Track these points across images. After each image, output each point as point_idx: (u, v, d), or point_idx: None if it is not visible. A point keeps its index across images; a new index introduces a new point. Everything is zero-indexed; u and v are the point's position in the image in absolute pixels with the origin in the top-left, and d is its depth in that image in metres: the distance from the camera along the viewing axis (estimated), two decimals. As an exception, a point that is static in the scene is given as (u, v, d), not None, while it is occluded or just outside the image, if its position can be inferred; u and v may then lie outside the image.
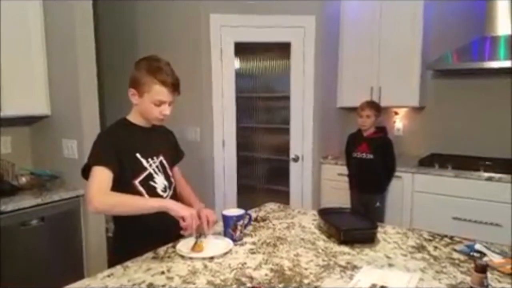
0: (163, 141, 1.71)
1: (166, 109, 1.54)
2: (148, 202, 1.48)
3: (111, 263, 1.43)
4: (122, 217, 1.56)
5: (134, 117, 1.60)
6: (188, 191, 1.82)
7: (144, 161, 1.57)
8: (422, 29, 3.21)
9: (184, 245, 1.50)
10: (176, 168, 1.80)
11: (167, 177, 1.65)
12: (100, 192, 1.42)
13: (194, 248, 1.47)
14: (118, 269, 1.36)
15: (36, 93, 2.62)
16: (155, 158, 1.61)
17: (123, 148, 1.53)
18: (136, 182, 1.55)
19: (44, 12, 2.60)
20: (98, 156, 1.50)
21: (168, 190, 1.65)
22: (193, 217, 1.42)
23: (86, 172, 1.49)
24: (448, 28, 3.32)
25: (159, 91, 1.49)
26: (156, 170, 1.61)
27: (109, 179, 1.46)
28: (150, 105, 1.52)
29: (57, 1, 2.56)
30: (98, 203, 1.41)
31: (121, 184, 1.50)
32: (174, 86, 1.51)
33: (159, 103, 1.51)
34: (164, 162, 1.65)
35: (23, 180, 2.53)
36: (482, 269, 1.09)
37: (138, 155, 1.56)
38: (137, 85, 1.51)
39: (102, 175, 1.45)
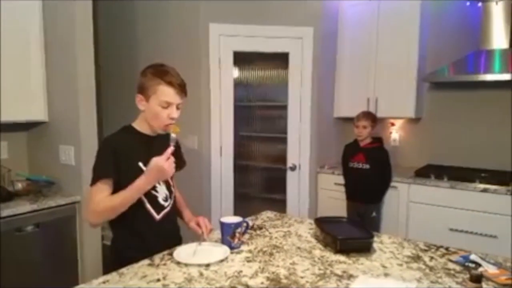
0: (165, 150, 1.70)
1: (174, 112, 1.52)
2: (133, 193, 1.46)
3: (108, 271, 1.42)
4: (120, 228, 1.56)
5: (139, 125, 1.60)
6: (181, 203, 1.82)
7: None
8: (418, 42, 3.25)
9: (181, 252, 1.50)
10: None
11: (168, 187, 1.65)
12: (96, 213, 1.46)
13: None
14: (114, 276, 1.35)
15: (34, 99, 2.63)
16: None
17: (125, 157, 1.52)
18: None
19: (44, 16, 2.62)
20: (99, 170, 1.50)
21: (169, 199, 1.64)
22: (169, 163, 1.44)
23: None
24: (445, 42, 3.37)
25: (166, 92, 1.48)
26: None
27: (108, 196, 1.48)
28: (158, 108, 1.50)
29: (56, 7, 2.58)
30: (95, 222, 1.49)
31: None
32: (181, 87, 1.51)
33: (167, 105, 1.50)
34: None
35: (19, 185, 2.53)
36: (477, 279, 1.10)
37: (140, 164, 1.55)
38: (144, 90, 1.51)
39: (100, 195, 1.47)
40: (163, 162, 1.42)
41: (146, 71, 1.53)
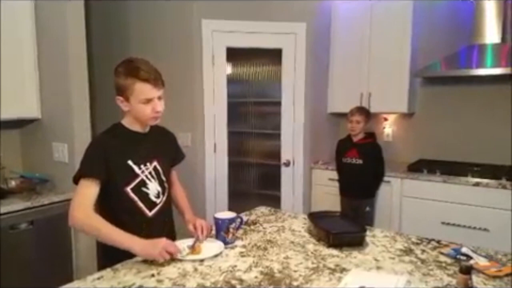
0: (159, 146, 1.68)
1: (157, 105, 1.51)
2: (118, 239, 1.42)
3: (101, 268, 1.42)
4: (113, 225, 1.55)
5: (128, 122, 1.59)
6: (183, 202, 1.81)
7: (136, 168, 1.55)
8: (411, 37, 3.27)
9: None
10: (174, 172, 1.81)
11: (161, 183, 1.63)
12: (80, 211, 1.43)
13: (192, 251, 1.48)
14: (108, 271, 1.36)
15: (27, 96, 2.62)
16: (148, 164, 1.59)
17: (115, 155, 1.51)
18: (128, 189, 1.54)
19: (36, 14, 2.60)
20: (86, 167, 1.49)
21: (161, 196, 1.63)
22: (162, 254, 1.37)
23: (77, 180, 1.49)
24: (437, 37, 3.38)
25: (143, 89, 1.47)
26: (149, 176, 1.59)
27: (94, 194, 1.46)
28: (140, 105, 1.49)
29: (49, 4, 2.56)
30: (74, 223, 1.44)
31: (113, 191, 1.50)
32: (156, 80, 1.49)
33: (147, 101, 1.49)
34: (158, 167, 1.63)
35: (13, 183, 2.52)
36: (467, 270, 1.12)
37: (130, 162, 1.54)
38: (122, 91, 1.50)
39: (86, 191, 1.45)
40: (164, 244, 1.39)
41: (118, 71, 1.50)
